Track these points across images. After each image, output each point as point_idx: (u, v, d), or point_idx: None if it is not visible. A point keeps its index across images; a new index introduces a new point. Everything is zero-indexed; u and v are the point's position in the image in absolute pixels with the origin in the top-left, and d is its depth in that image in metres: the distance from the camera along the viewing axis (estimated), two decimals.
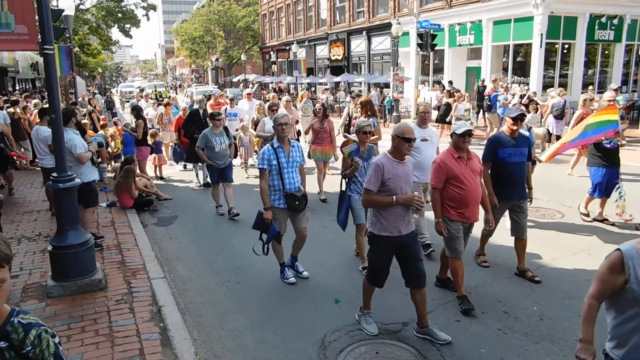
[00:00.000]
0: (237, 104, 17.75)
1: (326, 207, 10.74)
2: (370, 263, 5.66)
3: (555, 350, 5.21)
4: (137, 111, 13.55)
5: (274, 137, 10.13)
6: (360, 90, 32.67)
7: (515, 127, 6.98)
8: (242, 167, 15.09)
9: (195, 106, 15.41)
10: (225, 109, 16.76)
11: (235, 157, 11.83)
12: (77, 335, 5.39)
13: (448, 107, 20.30)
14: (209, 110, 17.51)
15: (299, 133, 14.55)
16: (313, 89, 43.39)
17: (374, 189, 5.21)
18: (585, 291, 5.99)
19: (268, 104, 12.95)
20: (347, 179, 7.31)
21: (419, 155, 7.55)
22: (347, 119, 13.78)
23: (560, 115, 16.95)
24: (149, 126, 15.35)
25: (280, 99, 17.40)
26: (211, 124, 10.45)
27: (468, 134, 5.89)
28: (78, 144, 7.94)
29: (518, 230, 7.05)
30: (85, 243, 6.50)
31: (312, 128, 11.67)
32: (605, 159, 9.08)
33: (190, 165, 14.80)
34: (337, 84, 38.80)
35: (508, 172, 6.90)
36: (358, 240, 7.53)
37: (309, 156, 11.07)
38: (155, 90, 27.86)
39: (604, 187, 9.13)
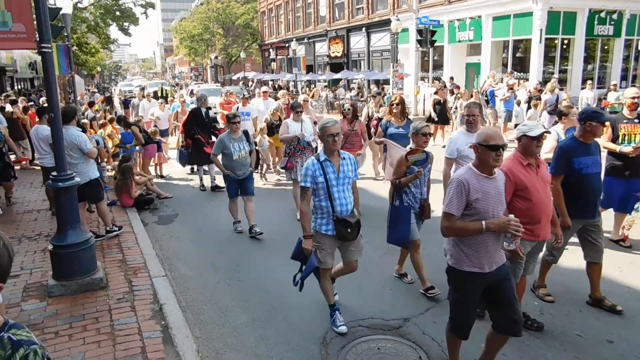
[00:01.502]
0: (249, 103, 16.09)
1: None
2: (453, 308, 4.62)
3: (556, 345, 5.21)
4: (124, 121, 13.29)
5: (301, 140, 9.64)
6: (382, 88, 30.91)
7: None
8: (258, 174, 13.43)
9: (192, 105, 15.38)
10: (237, 107, 15.35)
11: (257, 166, 10.96)
12: (79, 334, 5.39)
13: (443, 105, 18.42)
14: (219, 110, 16.82)
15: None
16: (313, 86, 43.40)
17: (457, 212, 4.20)
18: (586, 285, 6.01)
19: (291, 104, 11.64)
20: (399, 189, 6.37)
21: (467, 164, 6.75)
22: (367, 120, 13.17)
23: (553, 110, 16.82)
24: (152, 125, 15.38)
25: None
26: (228, 128, 9.23)
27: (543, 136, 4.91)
28: (87, 140, 8.21)
29: (594, 254, 5.98)
30: (85, 242, 6.49)
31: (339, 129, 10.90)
32: (624, 167, 7.46)
33: (196, 167, 14.09)
34: (337, 81, 38.80)
35: (584, 186, 5.80)
36: (415, 259, 6.46)
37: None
38: (162, 89, 27.51)
39: (620, 201, 7.72)
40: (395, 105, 9.06)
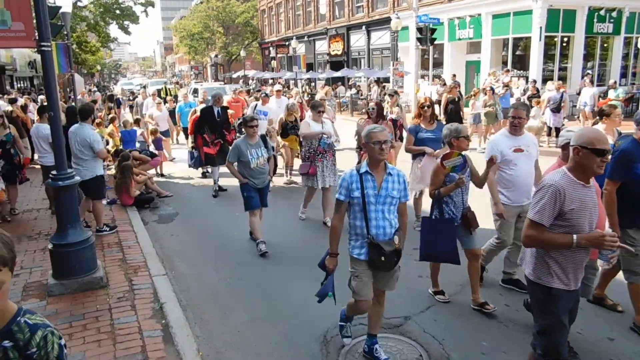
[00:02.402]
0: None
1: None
2: (543, 332, 4.04)
3: None
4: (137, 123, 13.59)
5: (321, 142, 9.11)
6: (384, 86, 29.70)
7: None
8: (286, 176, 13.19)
9: (199, 104, 15.12)
10: (255, 105, 14.31)
11: (274, 172, 10.05)
12: (79, 334, 5.38)
13: (457, 104, 16.63)
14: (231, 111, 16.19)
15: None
16: (313, 84, 43.38)
17: (547, 222, 3.71)
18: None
19: (312, 103, 10.41)
20: (438, 199, 5.79)
21: (512, 171, 6.09)
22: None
23: (557, 108, 17.19)
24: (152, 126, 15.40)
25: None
26: (245, 132, 8.29)
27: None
28: (99, 139, 8.48)
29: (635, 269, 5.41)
30: (85, 241, 6.48)
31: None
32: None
33: (207, 168, 13.58)
34: (337, 79, 38.77)
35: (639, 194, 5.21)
36: (472, 268, 5.98)
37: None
38: (165, 88, 27.26)
39: None
40: (425, 108, 8.43)
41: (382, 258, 4.61)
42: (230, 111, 13.05)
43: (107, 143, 11.85)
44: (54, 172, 6.53)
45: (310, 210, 9.73)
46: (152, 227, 9.61)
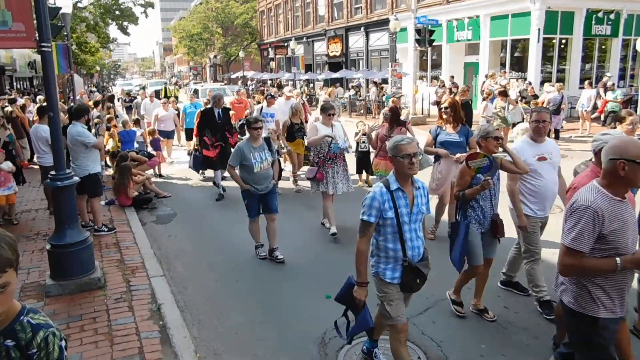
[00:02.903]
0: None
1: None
2: None
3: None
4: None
5: (332, 147, 8.48)
6: (382, 87, 29.47)
7: None
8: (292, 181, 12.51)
9: (204, 105, 14.87)
10: (261, 108, 13.50)
11: (279, 177, 9.31)
12: (76, 334, 5.38)
13: (469, 108, 16.13)
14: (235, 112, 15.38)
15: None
16: (311, 85, 43.40)
17: (587, 249, 3.30)
18: None
19: (322, 105, 9.49)
20: (464, 203, 5.52)
21: (536, 181, 5.77)
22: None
23: (557, 110, 17.13)
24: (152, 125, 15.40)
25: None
26: (248, 134, 7.79)
27: None
28: (88, 134, 8.58)
29: None
30: (83, 241, 6.49)
31: (377, 136, 9.23)
32: None
33: (209, 172, 13.08)
34: (335, 80, 38.74)
35: None
36: (483, 274, 5.79)
37: (372, 172, 9.45)
38: (166, 89, 27.03)
39: None
40: (445, 110, 7.95)
41: (418, 280, 4.35)
42: (231, 112, 12.83)
43: (108, 129, 11.86)
44: (52, 172, 6.55)
45: (309, 212, 9.73)
46: (150, 227, 9.61)
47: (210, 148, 11.52)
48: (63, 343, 2.33)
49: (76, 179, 6.75)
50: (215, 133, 11.56)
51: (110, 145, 12.70)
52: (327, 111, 8.78)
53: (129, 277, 6.92)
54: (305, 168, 10.99)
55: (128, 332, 5.45)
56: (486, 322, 5.70)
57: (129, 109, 24.88)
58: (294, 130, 11.88)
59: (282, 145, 11.65)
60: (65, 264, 6.39)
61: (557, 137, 17.21)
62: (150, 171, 13.54)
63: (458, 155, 7.55)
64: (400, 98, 13.24)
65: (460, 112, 7.97)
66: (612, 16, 25.64)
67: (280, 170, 10.40)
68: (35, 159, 9.50)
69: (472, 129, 10.04)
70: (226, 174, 10.11)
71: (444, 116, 7.98)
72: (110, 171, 12.60)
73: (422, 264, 4.36)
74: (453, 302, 6.00)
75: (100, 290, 6.45)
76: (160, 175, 14.23)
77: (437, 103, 23.52)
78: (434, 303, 6.18)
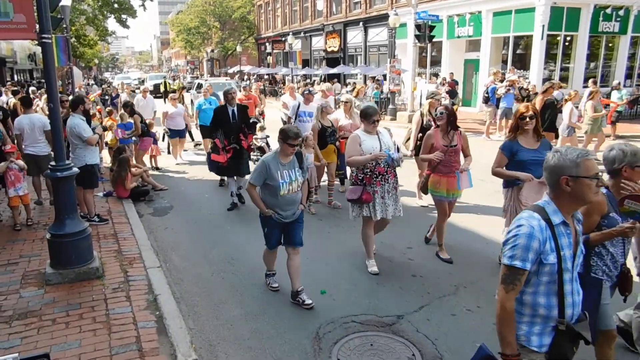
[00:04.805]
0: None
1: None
2: None
3: None
4: (130, 107, 13.12)
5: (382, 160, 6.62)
6: (395, 85, 27.28)
7: None
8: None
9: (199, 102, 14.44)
10: (298, 105, 11.51)
11: (308, 199, 8.09)
12: (75, 322, 5.46)
13: (555, 109, 13.46)
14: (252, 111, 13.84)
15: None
16: (308, 80, 43.41)
17: None
18: None
19: (363, 108, 7.06)
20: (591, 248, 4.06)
21: None
22: (419, 130, 9.57)
23: (559, 108, 16.69)
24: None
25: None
26: (279, 148, 5.97)
27: None
28: (86, 128, 8.64)
29: None
30: (82, 232, 6.59)
31: (430, 144, 7.24)
32: None
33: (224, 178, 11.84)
34: (333, 76, 38.75)
35: None
36: (605, 355, 4.29)
37: (425, 191, 7.54)
38: (165, 83, 26.09)
39: None
40: (527, 120, 6.24)
41: (575, 349, 3.24)
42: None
43: (105, 129, 11.83)
44: (52, 163, 6.64)
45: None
46: (147, 219, 9.67)
47: (221, 152, 9.98)
48: None
49: (75, 170, 6.82)
50: (228, 135, 9.94)
51: (108, 138, 12.69)
52: (371, 117, 6.77)
53: (126, 268, 6.99)
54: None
55: (125, 322, 5.52)
56: (481, 321, 5.69)
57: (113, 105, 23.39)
58: (326, 135, 9.87)
59: (320, 158, 9.83)
60: (64, 253, 6.48)
61: (556, 137, 16.92)
62: (148, 164, 13.59)
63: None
64: (439, 99, 10.05)
65: (539, 122, 6.46)
66: (621, 12, 24.88)
67: (310, 192, 9.34)
68: (24, 150, 9.38)
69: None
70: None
71: (526, 127, 6.27)
72: (109, 163, 12.63)
73: (582, 325, 3.19)
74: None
75: (98, 280, 6.53)
76: (158, 168, 14.27)
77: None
78: (429, 301, 6.20)
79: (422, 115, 9.67)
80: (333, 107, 10.76)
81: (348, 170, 8.09)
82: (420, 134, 9.26)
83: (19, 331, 5.29)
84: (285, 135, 5.76)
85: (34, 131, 9.39)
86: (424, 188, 7.48)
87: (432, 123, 8.74)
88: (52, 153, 8.94)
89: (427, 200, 9.26)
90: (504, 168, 6.42)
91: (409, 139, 10.19)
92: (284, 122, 14.22)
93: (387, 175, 6.73)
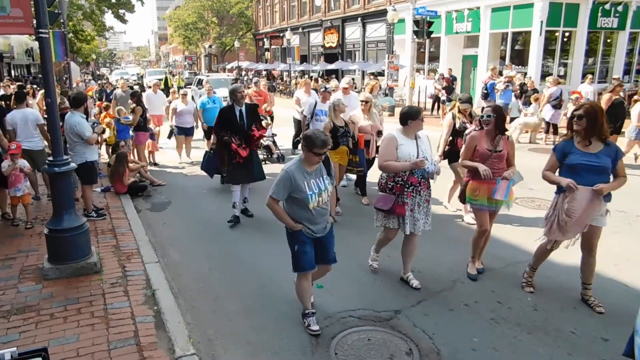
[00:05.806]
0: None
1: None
2: None
3: (548, 341, 5.17)
4: (137, 97, 12.99)
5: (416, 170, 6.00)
6: (394, 80, 27.19)
7: None
8: None
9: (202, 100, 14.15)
10: (315, 104, 10.92)
11: (336, 206, 7.52)
12: (73, 317, 5.46)
13: (622, 108, 12.68)
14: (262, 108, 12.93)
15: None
16: (306, 75, 43.40)
17: None
18: (578, 281, 5.94)
19: (405, 109, 6.32)
20: None
21: None
22: (450, 134, 8.88)
23: (558, 104, 16.70)
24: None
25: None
26: (302, 155, 5.19)
27: None
28: (87, 127, 8.62)
29: None
30: (80, 227, 6.58)
31: (473, 146, 6.43)
32: None
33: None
34: (330, 71, 38.72)
35: None
36: None
37: (463, 200, 6.78)
38: (167, 78, 25.65)
39: None
40: (577, 119, 5.46)
41: None
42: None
43: (103, 131, 11.78)
44: (50, 158, 6.62)
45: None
46: (145, 215, 9.67)
47: (240, 149, 8.74)
48: None
49: (73, 165, 6.81)
50: (237, 134, 8.83)
51: (107, 134, 12.67)
52: (414, 117, 6.06)
53: (124, 263, 6.98)
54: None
55: (123, 316, 5.51)
56: (479, 316, 5.68)
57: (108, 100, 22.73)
58: (337, 135, 8.85)
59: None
60: (62, 248, 6.47)
61: (555, 133, 16.91)
62: (146, 158, 13.57)
63: (600, 185, 5.31)
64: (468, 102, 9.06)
65: (604, 124, 5.44)
66: (620, 8, 24.89)
67: (337, 200, 8.59)
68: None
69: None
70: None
71: (576, 127, 5.50)
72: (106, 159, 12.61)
73: None
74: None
75: (96, 275, 6.53)
76: (155, 164, 14.26)
77: (437, 99, 23.32)
78: (427, 296, 6.19)
79: (454, 117, 8.83)
80: (358, 105, 9.86)
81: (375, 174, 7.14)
82: (450, 138, 8.81)
83: (17, 326, 5.28)
84: (311, 143, 4.95)
85: (27, 126, 9.37)
86: (461, 196, 6.73)
87: (467, 125, 8.42)
88: (47, 147, 8.94)
89: (455, 205, 9.07)
90: (557, 172, 5.71)
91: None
92: (297, 121, 14.10)
93: (419, 187, 6.09)
